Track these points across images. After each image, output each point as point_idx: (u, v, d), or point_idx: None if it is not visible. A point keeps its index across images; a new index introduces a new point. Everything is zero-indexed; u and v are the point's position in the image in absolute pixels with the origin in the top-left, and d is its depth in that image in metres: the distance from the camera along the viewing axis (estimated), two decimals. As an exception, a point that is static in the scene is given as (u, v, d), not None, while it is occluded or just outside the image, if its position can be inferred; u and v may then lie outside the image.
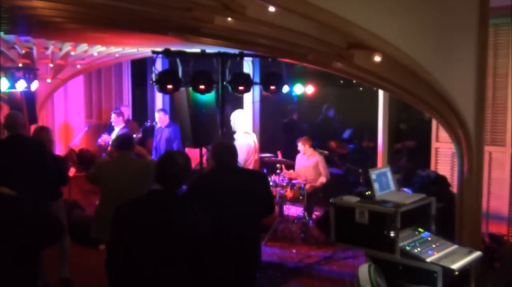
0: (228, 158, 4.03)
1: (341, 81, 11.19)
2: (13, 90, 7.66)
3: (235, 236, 3.84)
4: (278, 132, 11.00)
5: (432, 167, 6.77)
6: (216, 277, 3.77)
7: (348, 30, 3.83)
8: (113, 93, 12.00)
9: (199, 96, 6.20)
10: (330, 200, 3.99)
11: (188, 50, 6.54)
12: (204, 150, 6.40)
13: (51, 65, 8.80)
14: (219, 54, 6.32)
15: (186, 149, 6.89)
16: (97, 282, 5.79)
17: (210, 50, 6.38)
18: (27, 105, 8.24)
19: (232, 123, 7.03)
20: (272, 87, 6.88)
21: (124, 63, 11.41)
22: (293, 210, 8.16)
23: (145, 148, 8.53)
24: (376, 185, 4.01)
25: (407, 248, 3.71)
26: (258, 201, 4.02)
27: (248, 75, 6.62)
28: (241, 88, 6.43)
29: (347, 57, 4.36)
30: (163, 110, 8.85)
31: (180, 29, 4.71)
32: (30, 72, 7.91)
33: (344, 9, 3.72)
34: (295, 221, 7.68)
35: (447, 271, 3.53)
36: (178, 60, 6.13)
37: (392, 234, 3.65)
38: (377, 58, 4.08)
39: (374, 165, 7.73)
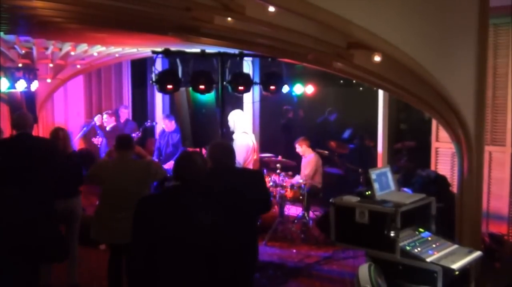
0: (225, 158, 4.05)
1: (341, 81, 11.18)
2: (13, 90, 7.65)
3: (232, 236, 3.84)
4: (278, 132, 11.00)
5: (432, 167, 6.77)
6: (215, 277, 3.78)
7: (348, 30, 3.83)
8: (113, 93, 11.98)
9: (199, 96, 6.20)
10: (330, 200, 4.00)
11: (188, 50, 6.54)
12: (204, 150, 6.40)
13: (51, 65, 8.78)
14: (219, 54, 6.32)
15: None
16: (97, 282, 5.81)
17: (210, 50, 6.38)
18: (27, 105, 8.23)
19: (230, 123, 7.03)
20: (272, 87, 6.89)
21: (124, 63, 11.39)
22: (293, 210, 8.16)
23: (145, 148, 8.54)
24: (376, 185, 4.01)
25: (407, 248, 3.71)
26: (255, 200, 4.05)
27: (248, 75, 6.63)
28: (241, 88, 6.44)
29: (347, 57, 4.36)
30: (168, 116, 8.83)
31: (180, 29, 4.71)
32: (30, 72, 7.89)
33: (344, 9, 3.72)
34: (295, 221, 7.68)
35: (447, 271, 3.53)
36: (178, 60, 6.14)
37: (392, 234, 3.65)
38: (377, 58, 4.08)
39: (374, 165, 7.73)
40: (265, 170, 7.84)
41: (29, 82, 7.76)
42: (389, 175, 4.20)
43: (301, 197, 7.46)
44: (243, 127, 7.03)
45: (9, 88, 7.48)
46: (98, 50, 8.37)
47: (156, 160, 8.16)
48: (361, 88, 10.75)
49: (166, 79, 5.82)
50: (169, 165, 7.57)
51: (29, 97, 8.34)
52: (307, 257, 6.80)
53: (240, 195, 3.91)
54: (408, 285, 3.66)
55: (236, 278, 3.90)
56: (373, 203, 3.86)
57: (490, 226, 6.27)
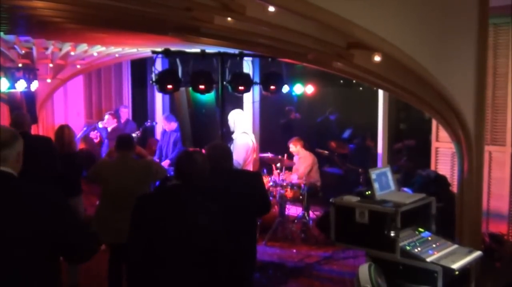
0: (223, 160, 4.06)
1: (341, 81, 11.19)
2: (13, 90, 7.65)
3: (231, 237, 3.84)
4: (278, 132, 11.01)
5: (432, 167, 6.77)
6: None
7: (348, 30, 3.83)
8: (113, 93, 11.99)
9: (199, 96, 6.21)
10: (330, 200, 3.99)
11: (188, 50, 6.54)
12: (204, 150, 6.39)
13: (51, 65, 8.78)
14: (219, 54, 6.32)
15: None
16: (97, 282, 5.80)
17: (210, 50, 6.38)
18: (27, 105, 8.24)
19: (230, 123, 7.03)
20: (272, 87, 6.89)
21: (124, 63, 11.40)
22: (293, 210, 8.16)
23: (145, 148, 8.54)
24: (376, 185, 4.01)
25: (407, 247, 3.71)
26: (253, 202, 4.04)
27: (248, 75, 6.63)
28: (241, 88, 6.44)
29: (347, 57, 4.35)
30: (168, 117, 8.83)
31: (180, 29, 4.71)
32: (30, 72, 7.89)
33: (344, 9, 3.71)
34: (295, 221, 7.68)
35: (447, 271, 3.52)
36: (178, 60, 6.14)
37: (392, 234, 3.65)
38: (377, 58, 4.08)
39: (374, 165, 7.73)
40: (264, 170, 7.84)
41: (29, 82, 7.76)
42: (389, 175, 4.20)
43: (301, 197, 7.46)
44: (243, 127, 7.02)
45: (9, 88, 7.48)
46: (98, 50, 8.37)
47: (157, 160, 8.17)
48: (361, 88, 10.75)
49: (166, 79, 5.82)
50: (170, 165, 7.58)
51: (29, 97, 8.35)
52: (307, 257, 6.80)
53: (237, 196, 3.91)
54: (408, 285, 3.66)
55: (235, 278, 3.91)
56: (373, 203, 3.85)
57: (490, 226, 6.28)
